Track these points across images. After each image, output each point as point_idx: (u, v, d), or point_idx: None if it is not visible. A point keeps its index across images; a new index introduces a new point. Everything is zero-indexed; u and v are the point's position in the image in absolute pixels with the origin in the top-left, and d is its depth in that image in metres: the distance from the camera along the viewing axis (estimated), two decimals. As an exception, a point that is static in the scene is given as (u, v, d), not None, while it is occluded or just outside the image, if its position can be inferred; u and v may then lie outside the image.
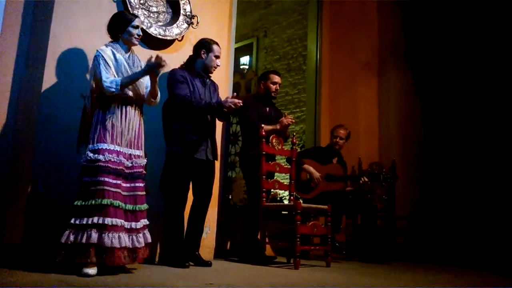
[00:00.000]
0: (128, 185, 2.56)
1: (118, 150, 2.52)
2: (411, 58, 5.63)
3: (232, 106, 3.06)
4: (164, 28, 3.32)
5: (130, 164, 2.58)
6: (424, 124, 5.63)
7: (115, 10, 3.04)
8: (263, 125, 3.58)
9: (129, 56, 2.69)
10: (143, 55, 2.90)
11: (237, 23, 4.37)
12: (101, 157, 2.43)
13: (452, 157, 5.48)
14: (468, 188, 5.23)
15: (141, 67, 2.70)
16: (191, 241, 3.12)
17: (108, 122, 2.52)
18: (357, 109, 5.47)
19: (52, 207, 2.66)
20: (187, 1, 3.49)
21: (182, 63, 3.28)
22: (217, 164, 3.36)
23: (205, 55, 3.22)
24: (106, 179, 2.42)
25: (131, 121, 2.61)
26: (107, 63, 2.54)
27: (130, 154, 2.60)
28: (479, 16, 5.36)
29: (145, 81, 2.69)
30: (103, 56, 2.54)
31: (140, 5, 3.22)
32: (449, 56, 5.58)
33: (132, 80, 2.57)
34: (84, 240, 2.30)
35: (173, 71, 3.15)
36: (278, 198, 5.91)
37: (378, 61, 5.48)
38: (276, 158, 3.92)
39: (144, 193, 2.65)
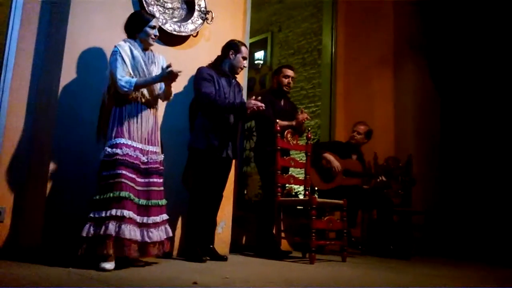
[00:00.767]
0: (142, 180, 2.59)
1: (135, 145, 2.56)
2: (428, 52, 5.54)
3: (255, 108, 3.09)
4: (179, 24, 3.34)
5: (146, 160, 2.61)
6: (441, 119, 5.54)
7: (130, 7, 3.06)
8: (278, 121, 3.59)
9: (145, 53, 2.72)
10: (158, 51, 2.92)
11: (251, 18, 4.36)
12: (118, 151, 2.47)
13: (469, 152, 5.39)
14: (484, 183, 5.15)
15: (155, 63, 2.73)
16: (205, 234, 3.16)
17: (124, 118, 2.57)
18: (373, 103, 5.42)
19: (70, 206, 2.70)
20: (202, -3, 3.50)
21: (196, 59, 3.32)
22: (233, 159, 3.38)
23: (233, 55, 3.28)
24: (124, 172, 2.45)
25: (146, 118, 2.65)
26: (124, 60, 2.57)
27: (146, 150, 2.63)
28: (497, 10, 5.24)
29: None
30: (120, 53, 2.57)
31: (155, 1, 3.23)
32: (467, 51, 5.47)
33: (147, 83, 2.62)
34: (102, 232, 2.34)
35: (201, 69, 3.20)
36: (293, 193, 5.90)
37: (394, 56, 5.41)
38: (291, 153, 3.92)
39: (161, 188, 2.67)
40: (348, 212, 3.68)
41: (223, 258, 3.11)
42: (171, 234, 2.69)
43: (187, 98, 3.29)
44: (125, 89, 2.53)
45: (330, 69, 5.74)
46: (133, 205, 2.46)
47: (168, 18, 3.31)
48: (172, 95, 2.83)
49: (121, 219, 2.38)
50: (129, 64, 2.59)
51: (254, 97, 3.18)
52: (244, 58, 3.32)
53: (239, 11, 3.86)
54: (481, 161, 5.26)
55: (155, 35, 2.72)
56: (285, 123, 3.70)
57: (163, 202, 2.67)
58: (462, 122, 5.48)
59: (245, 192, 5.45)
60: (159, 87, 2.74)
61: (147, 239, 2.51)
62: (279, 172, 3.54)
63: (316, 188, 4.22)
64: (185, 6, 3.48)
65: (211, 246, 3.18)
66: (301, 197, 5.01)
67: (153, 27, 2.70)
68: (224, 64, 3.31)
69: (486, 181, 5.15)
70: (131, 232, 2.39)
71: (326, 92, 5.82)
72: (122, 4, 3.06)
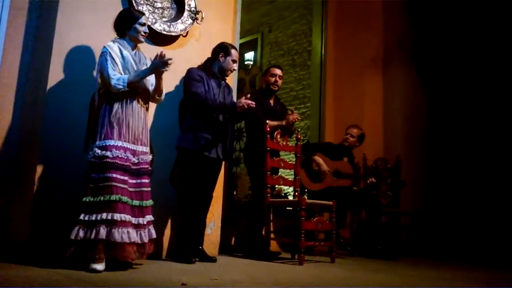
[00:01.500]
0: (134, 181, 2.58)
1: (125, 146, 2.54)
2: (416, 54, 5.60)
3: (245, 106, 3.09)
4: (168, 24, 3.32)
5: (137, 161, 2.60)
6: (429, 121, 5.60)
7: (119, 6, 3.04)
8: (268, 121, 3.59)
9: (135, 53, 2.71)
10: (148, 51, 2.91)
11: (241, 19, 4.36)
12: (108, 153, 2.45)
13: (457, 153, 5.45)
14: (472, 184, 5.21)
15: (146, 64, 2.71)
16: (194, 235, 3.15)
17: (114, 118, 2.54)
18: (362, 105, 5.45)
19: (58, 205, 2.67)
20: (192, -3, 3.49)
21: (186, 59, 3.31)
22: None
23: (223, 58, 3.28)
24: (114, 175, 2.43)
25: (136, 117, 2.62)
26: (114, 60, 2.55)
27: (136, 151, 2.61)
28: (484, 12, 5.31)
29: (151, 78, 2.70)
30: (110, 53, 2.55)
31: (145, 1, 3.22)
32: (454, 53, 5.53)
33: (139, 78, 2.59)
34: (93, 236, 2.32)
35: (191, 69, 3.20)
36: (283, 194, 5.92)
37: (383, 57, 5.45)
38: (280, 154, 3.92)
39: (149, 189, 2.66)
40: (337, 213, 3.69)
41: (212, 259, 3.10)
42: (154, 236, 2.66)
43: (177, 97, 3.27)
44: (119, 87, 2.51)
45: (320, 70, 5.76)
46: (125, 207, 2.44)
47: (157, 18, 3.29)
48: (164, 94, 2.81)
49: (112, 223, 2.36)
50: (119, 63, 2.57)
51: (244, 97, 3.18)
52: (234, 61, 3.32)
53: (229, 12, 3.85)
54: (469, 162, 5.32)
55: (145, 32, 2.70)
56: (275, 123, 3.71)
57: (150, 202, 2.66)
58: (450, 123, 5.53)
59: (235, 193, 5.45)
60: (150, 83, 2.71)
61: (145, 239, 2.52)
62: (268, 173, 3.54)
63: (306, 190, 4.23)
64: (175, 6, 3.46)
65: (200, 247, 3.17)
66: (290, 198, 5.02)
67: (143, 24, 2.68)
68: (213, 66, 3.31)
69: (474, 182, 5.20)
70: (124, 234, 2.37)
71: (315, 94, 5.84)
72: (111, 3, 3.03)
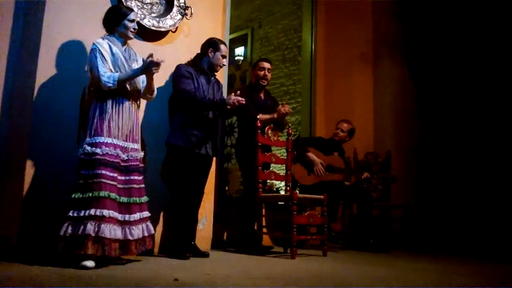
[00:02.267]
0: (123, 178, 2.57)
1: (115, 143, 2.53)
2: (406, 49, 5.63)
3: (236, 103, 3.08)
4: (157, 19, 3.30)
5: (126, 157, 2.59)
6: (419, 115, 5.64)
7: (108, 2, 3.02)
8: (259, 115, 3.59)
9: (125, 49, 2.69)
10: (137, 47, 2.89)
11: (231, 14, 4.35)
12: (98, 150, 2.44)
13: (447, 147, 5.51)
14: (462, 177, 5.27)
15: (137, 61, 2.70)
16: (187, 231, 3.15)
17: (105, 115, 2.53)
18: (352, 100, 5.48)
19: (48, 200, 2.66)
20: (181, -8, 3.47)
21: (176, 55, 3.30)
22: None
23: (212, 53, 3.27)
24: (104, 172, 2.43)
25: (127, 114, 2.61)
26: (104, 56, 2.54)
27: (127, 147, 2.60)
28: (474, 7, 5.35)
29: (142, 76, 2.69)
30: (99, 50, 2.53)
31: (134, -3, 3.19)
32: (444, 47, 5.58)
33: (129, 77, 2.58)
34: (81, 232, 2.31)
35: (179, 66, 3.18)
36: (274, 189, 5.94)
37: (373, 52, 5.48)
38: (272, 149, 3.93)
39: (142, 185, 2.65)
40: (329, 207, 3.71)
41: (204, 255, 3.10)
42: (153, 232, 2.67)
43: (167, 93, 3.26)
44: (109, 85, 2.50)
45: (310, 65, 5.78)
46: (113, 204, 2.44)
47: (146, 13, 3.27)
48: (155, 92, 2.80)
49: (100, 219, 2.35)
50: (109, 60, 2.56)
51: (233, 94, 3.17)
52: (223, 57, 3.31)
53: (218, 7, 3.84)
54: (459, 155, 5.38)
55: (134, 28, 2.69)
56: (267, 116, 3.70)
57: (144, 199, 2.65)
58: (440, 117, 5.59)
59: (226, 188, 5.45)
60: (141, 81, 2.71)
61: (129, 237, 2.49)
62: (260, 168, 3.54)
63: (298, 184, 4.25)
64: (164, 2, 3.44)
65: (193, 242, 3.17)
66: (282, 193, 5.04)
67: (132, 21, 2.67)
68: (203, 62, 3.29)
69: (464, 175, 5.27)
70: (111, 231, 2.37)
71: (306, 89, 5.86)
72: (99, -1, 3.01)
